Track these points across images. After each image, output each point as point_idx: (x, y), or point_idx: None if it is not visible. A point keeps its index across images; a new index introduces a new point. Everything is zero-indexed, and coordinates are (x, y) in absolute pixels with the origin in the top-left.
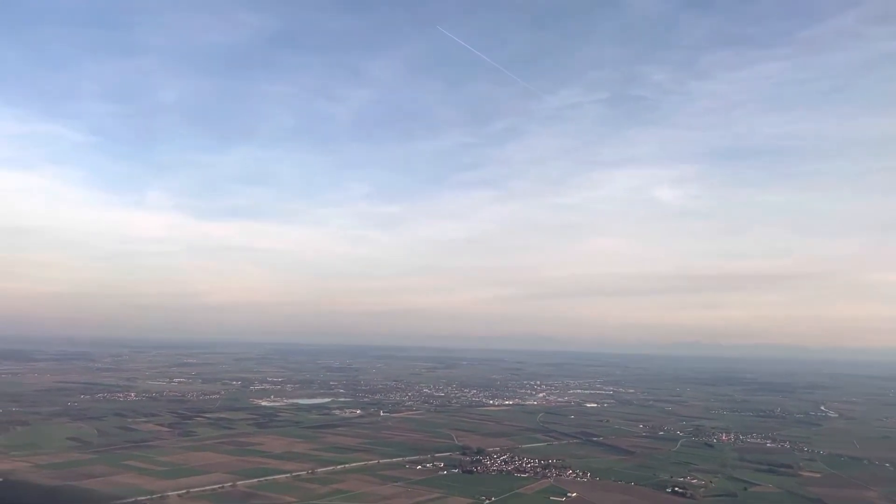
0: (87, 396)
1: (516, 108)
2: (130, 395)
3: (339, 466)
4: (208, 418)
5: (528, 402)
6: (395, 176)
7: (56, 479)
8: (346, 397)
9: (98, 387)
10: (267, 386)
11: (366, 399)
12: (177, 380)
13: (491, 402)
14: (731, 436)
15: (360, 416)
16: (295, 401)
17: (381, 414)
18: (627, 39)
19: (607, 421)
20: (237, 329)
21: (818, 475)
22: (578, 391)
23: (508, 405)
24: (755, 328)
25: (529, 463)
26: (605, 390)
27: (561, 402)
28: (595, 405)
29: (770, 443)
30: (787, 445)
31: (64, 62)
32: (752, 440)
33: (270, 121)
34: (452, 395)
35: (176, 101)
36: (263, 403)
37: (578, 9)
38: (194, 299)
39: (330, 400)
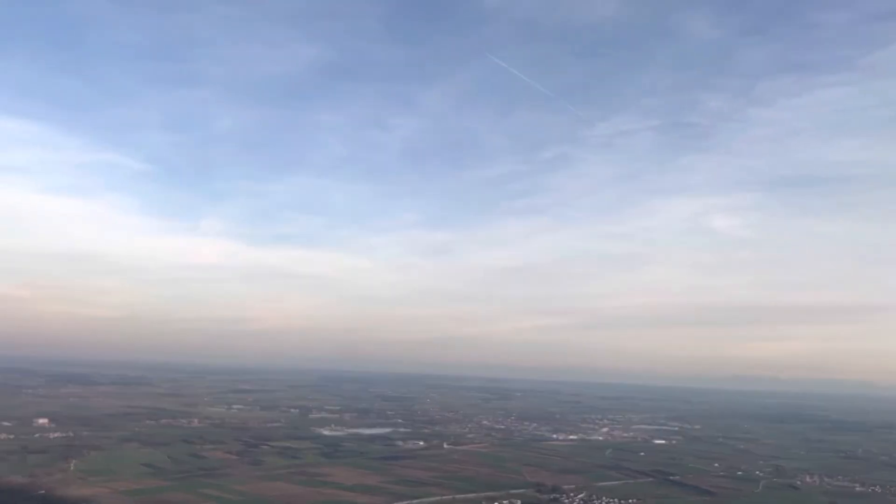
0: (153, 422)
1: (568, 135)
2: (194, 422)
3: (414, 501)
4: (273, 447)
5: (592, 437)
6: (445, 204)
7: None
8: (405, 427)
9: (162, 412)
10: (325, 415)
11: (426, 430)
12: (236, 406)
13: (554, 436)
14: (816, 477)
15: (424, 448)
16: (356, 430)
17: (445, 446)
18: (683, 66)
19: (680, 459)
20: (287, 355)
21: None
22: (643, 426)
23: (573, 440)
24: (816, 362)
25: (610, 502)
26: (670, 426)
27: (627, 437)
28: (663, 442)
29: (859, 486)
30: (878, 490)
31: (126, 94)
32: (839, 483)
33: (322, 150)
34: (513, 427)
35: (231, 131)
36: (325, 433)
37: (632, 37)
38: (245, 325)
39: (390, 430)
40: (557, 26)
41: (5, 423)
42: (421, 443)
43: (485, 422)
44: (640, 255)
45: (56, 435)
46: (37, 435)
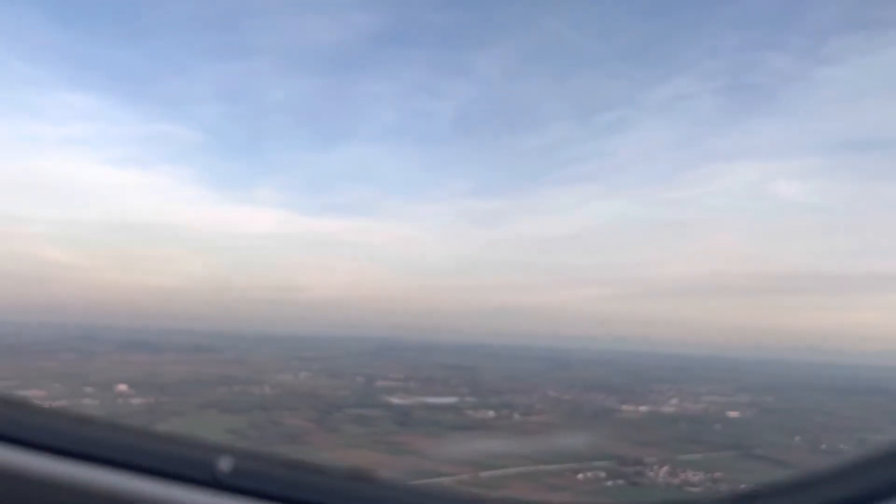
0: (226, 388)
1: (624, 99)
2: (266, 389)
3: (498, 471)
4: (347, 415)
5: (663, 409)
6: (497, 172)
7: None
8: (471, 397)
9: (232, 379)
10: (390, 383)
11: (493, 400)
12: (302, 373)
13: (623, 407)
14: None
15: (495, 419)
16: (423, 399)
17: (516, 416)
18: (746, 25)
19: (758, 432)
20: (341, 323)
21: None
22: (712, 398)
23: (643, 411)
24: (888, 332)
25: (696, 476)
26: (740, 398)
27: (698, 409)
28: (737, 414)
29: None
30: None
31: (181, 66)
32: None
33: (374, 118)
34: (580, 398)
35: (283, 101)
36: (394, 401)
37: None
38: (300, 293)
39: (457, 399)
40: None
41: (87, 389)
42: (491, 413)
43: (550, 392)
44: (699, 221)
45: (137, 401)
46: (119, 401)
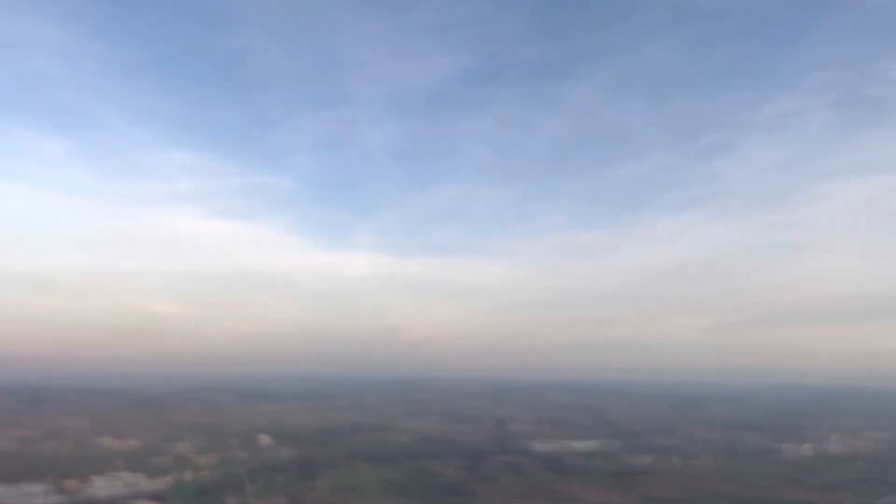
0: (361, 437)
1: (727, 120)
2: (401, 437)
3: None
4: (496, 462)
5: (828, 448)
6: (593, 203)
7: None
8: (612, 440)
9: (362, 427)
10: (522, 426)
11: (638, 443)
12: (428, 419)
13: (783, 446)
14: None
15: (654, 464)
16: (565, 444)
17: (674, 461)
18: (859, 34)
19: None
20: (440, 363)
21: None
22: (875, 433)
23: (808, 451)
24: None
25: None
26: None
27: (867, 446)
28: None
29: None
30: None
31: (279, 118)
32: None
33: (466, 157)
34: (729, 438)
35: (378, 146)
36: (536, 447)
37: (795, 8)
38: (394, 335)
39: (600, 444)
40: (711, 6)
41: (232, 441)
42: (647, 458)
43: (694, 433)
44: (812, 242)
45: (285, 452)
46: (268, 453)
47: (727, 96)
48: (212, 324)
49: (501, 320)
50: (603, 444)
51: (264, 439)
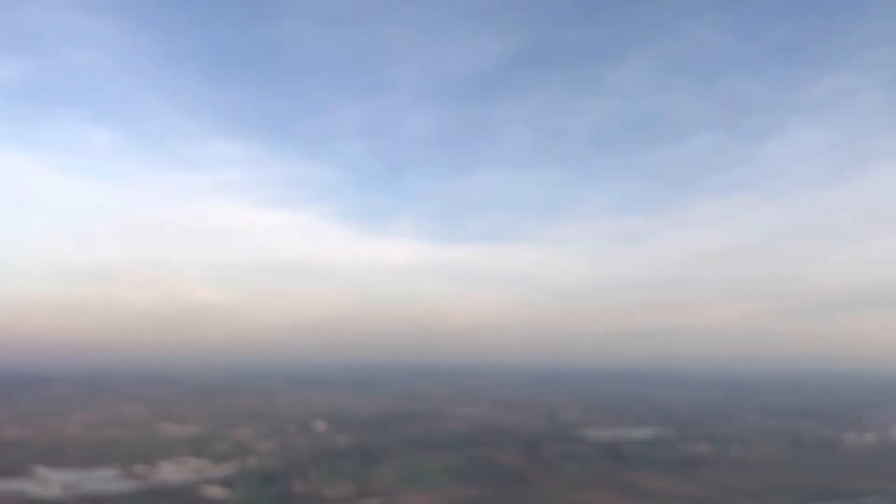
0: (417, 423)
1: (775, 101)
2: (456, 424)
3: None
4: (555, 451)
5: (891, 437)
6: (639, 186)
7: None
8: (667, 428)
9: (416, 414)
10: (574, 414)
11: (693, 431)
12: (479, 406)
13: (845, 435)
14: None
15: (715, 453)
16: (620, 432)
17: (733, 450)
18: None
19: None
20: (478, 351)
21: None
22: None
23: (872, 440)
24: None
25: None
26: None
27: None
28: None
29: None
30: None
31: (323, 106)
32: None
33: (509, 142)
34: (787, 427)
35: (421, 132)
36: (592, 435)
37: None
38: (436, 322)
39: (655, 431)
40: None
41: (289, 427)
42: (705, 446)
43: (749, 421)
44: (863, 226)
45: (342, 438)
46: (326, 439)
47: (775, 76)
48: (257, 312)
49: (545, 307)
50: (658, 432)
51: (320, 425)
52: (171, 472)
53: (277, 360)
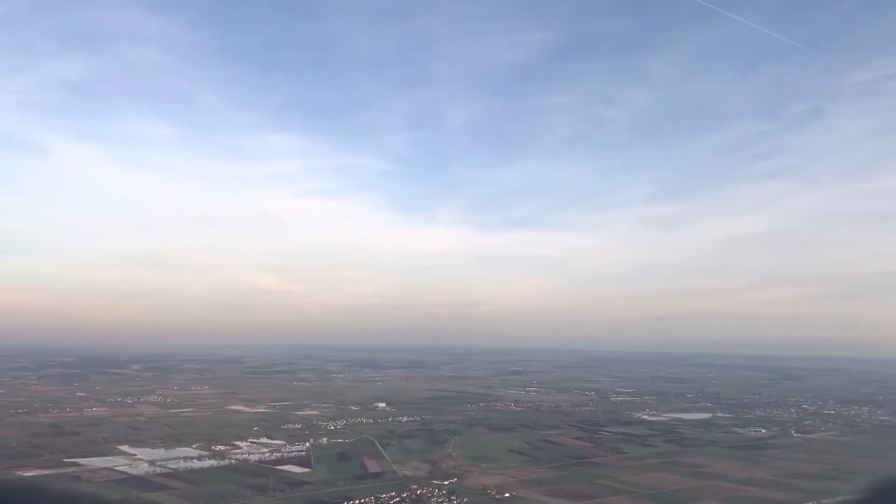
0: (473, 405)
1: (817, 87)
2: (511, 405)
3: (838, 498)
4: (613, 433)
5: None
6: (679, 174)
7: (560, 496)
8: (721, 412)
9: (470, 395)
10: (625, 397)
11: (749, 415)
12: (529, 389)
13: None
14: None
15: (775, 437)
16: (675, 415)
17: (794, 434)
18: None
19: None
20: (520, 336)
21: None
22: None
23: None
24: None
25: None
26: None
27: None
28: None
29: None
30: None
31: (371, 100)
32: None
33: (550, 132)
34: (842, 411)
35: (464, 124)
36: (647, 417)
37: None
38: (478, 308)
39: (710, 415)
40: None
41: (353, 408)
42: (763, 430)
43: (805, 405)
44: None
45: (405, 419)
46: (389, 419)
47: (816, 63)
48: (308, 297)
49: (586, 292)
50: (713, 416)
51: (381, 406)
52: (250, 451)
53: (327, 344)
